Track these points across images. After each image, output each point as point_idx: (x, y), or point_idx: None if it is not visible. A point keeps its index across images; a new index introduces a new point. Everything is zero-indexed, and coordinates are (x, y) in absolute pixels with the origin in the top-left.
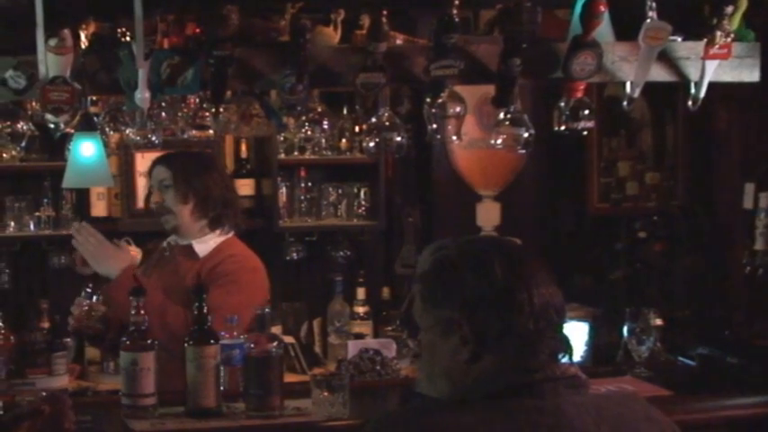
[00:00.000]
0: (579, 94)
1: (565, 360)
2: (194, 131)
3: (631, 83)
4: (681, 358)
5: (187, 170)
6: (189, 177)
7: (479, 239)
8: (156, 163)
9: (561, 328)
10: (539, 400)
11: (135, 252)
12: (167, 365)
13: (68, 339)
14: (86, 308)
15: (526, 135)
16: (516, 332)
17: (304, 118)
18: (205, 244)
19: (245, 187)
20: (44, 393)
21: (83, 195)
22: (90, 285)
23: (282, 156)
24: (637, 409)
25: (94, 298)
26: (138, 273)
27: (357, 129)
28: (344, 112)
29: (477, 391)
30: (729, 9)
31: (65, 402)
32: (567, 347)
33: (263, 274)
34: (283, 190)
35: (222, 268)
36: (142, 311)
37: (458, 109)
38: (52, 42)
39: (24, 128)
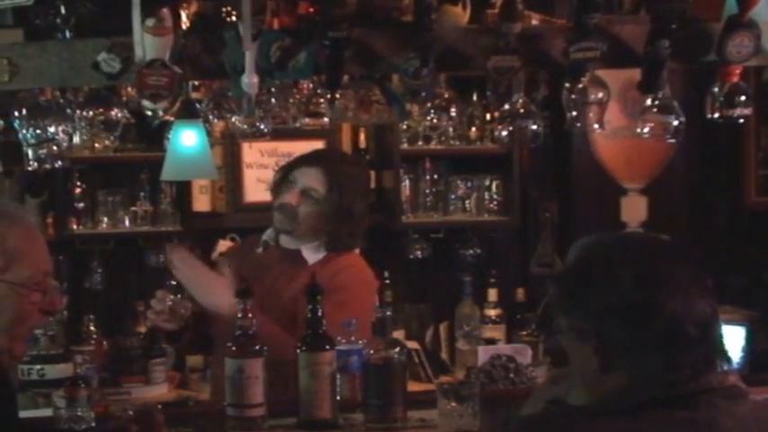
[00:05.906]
0: (735, 79)
1: (724, 368)
2: (307, 119)
3: None
4: None
5: (344, 190)
6: (343, 200)
7: (616, 241)
8: (310, 163)
9: (715, 334)
10: (691, 411)
11: None
12: (276, 372)
13: (167, 345)
14: (170, 303)
15: (676, 123)
16: (647, 345)
17: (429, 105)
18: (316, 251)
19: None
20: (130, 412)
21: (184, 189)
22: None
23: (405, 146)
24: None
25: (178, 295)
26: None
27: (488, 116)
28: (474, 98)
29: (613, 403)
30: None
31: (155, 419)
32: (722, 356)
33: (375, 289)
34: (406, 183)
35: (334, 282)
36: (249, 315)
37: (600, 95)
38: (150, 23)
39: (119, 115)
